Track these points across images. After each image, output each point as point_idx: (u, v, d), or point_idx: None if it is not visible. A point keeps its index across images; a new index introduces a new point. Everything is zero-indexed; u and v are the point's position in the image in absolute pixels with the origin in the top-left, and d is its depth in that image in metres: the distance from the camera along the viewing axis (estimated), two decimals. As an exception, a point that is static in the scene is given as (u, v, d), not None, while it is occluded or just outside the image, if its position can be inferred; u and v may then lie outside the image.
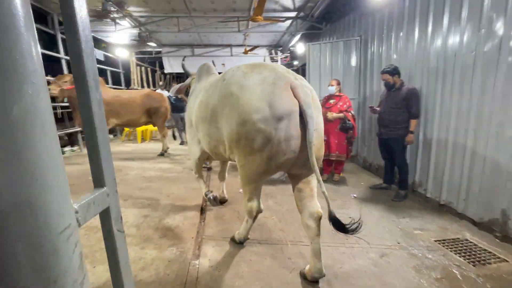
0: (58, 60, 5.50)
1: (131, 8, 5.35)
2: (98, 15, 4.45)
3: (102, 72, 7.86)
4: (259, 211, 2.03)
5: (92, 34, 5.57)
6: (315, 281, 1.91)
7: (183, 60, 3.74)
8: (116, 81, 8.66)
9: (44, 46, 5.74)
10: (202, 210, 3.15)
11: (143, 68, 9.84)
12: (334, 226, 1.68)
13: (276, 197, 3.58)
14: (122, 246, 0.57)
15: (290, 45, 8.40)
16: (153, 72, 10.78)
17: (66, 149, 5.82)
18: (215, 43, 8.98)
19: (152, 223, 2.82)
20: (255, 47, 7.63)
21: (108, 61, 7.96)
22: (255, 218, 2.12)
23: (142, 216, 2.96)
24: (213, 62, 3.28)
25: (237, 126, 1.68)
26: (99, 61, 7.38)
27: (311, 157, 1.58)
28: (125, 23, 5.54)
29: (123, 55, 8.43)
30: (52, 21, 5.37)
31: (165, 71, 9.58)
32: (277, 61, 10.25)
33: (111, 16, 4.73)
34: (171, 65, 9.33)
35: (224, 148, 1.99)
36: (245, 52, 7.78)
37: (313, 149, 1.58)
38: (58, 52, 5.54)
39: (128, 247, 1.91)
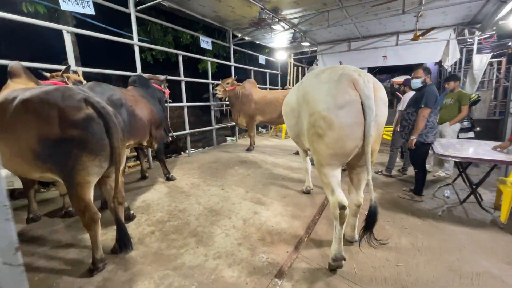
0: (229, 67, 6.88)
1: (285, 12, 5.66)
2: (257, 23, 5.05)
3: (262, 75, 9.03)
4: (342, 206, 1.93)
5: (257, 42, 6.28)
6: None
7: (340, 64, 3.59)
8: (274, 82, 9.68)
9: (223, 57, 7.35)
10: (314, 221, 2.81)
11: (300, 69, 10.39)
12: (368, 217, 1.90)
13: (415, 236, 2.57)
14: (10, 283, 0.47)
15: (497, 18, 5.65)
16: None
17: (228, 138, 7.23)
18: (376, 33, 7.78)
19: (258, 221, 2.85)
20: (429, 29, 5.78)
21: (268, 65, 9.01)
22: (342, 220, 1.98)
23: (252, 212, 3.07)
24: (340, 63, 3.25)
25: (309, 116, 2.01)
26: (260, 65, 8.53)
27: (367, 146, 1.79)
28: (280, 27, 5.93)
29: (282, 58, 9.24)
30: (228, 36, 6.76)
31: (318, 70, 9.54)
32: (472, 44, 7.35)
33: (267, 22, 5.21)
34: (325, 63, 9.14)
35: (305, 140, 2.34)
36: (415, 38, 6.11)
37: (370, 139, 1.78)
38: (230, 60, 6.93)
39: (227, 238, 2.18)
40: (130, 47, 4.42)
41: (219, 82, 5.69)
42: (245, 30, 6.68)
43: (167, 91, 4.13)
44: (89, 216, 1.88)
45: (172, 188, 3.78)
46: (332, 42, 8.77)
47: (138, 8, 4.33)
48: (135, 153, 5.20)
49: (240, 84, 5.73)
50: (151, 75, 4.24)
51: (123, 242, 2.02)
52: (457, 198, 3.34)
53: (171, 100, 4.54)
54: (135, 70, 4.36)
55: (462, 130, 4.31)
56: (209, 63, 5.95)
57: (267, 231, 2.67)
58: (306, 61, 10.79)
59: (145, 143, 3.63)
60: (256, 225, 2.77)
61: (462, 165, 3.32)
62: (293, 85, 9.69)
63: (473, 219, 2.92)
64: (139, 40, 6.18)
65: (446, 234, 2.61)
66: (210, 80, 6.05)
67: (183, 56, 5.22)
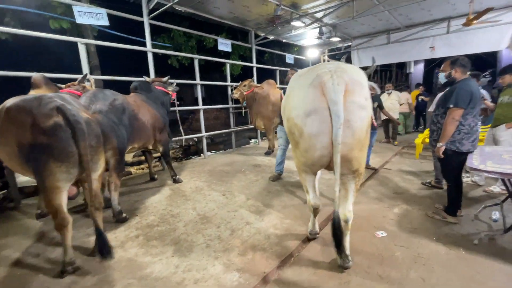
0: (251, 68, 6.75)
1: (305, 6, 5.28)
2: (271, 21, 4.80)
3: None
4: (315, 206, 2.13)
5: (284, 40, 6.03)
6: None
7: (373, 62, 3.40)
8: (305, 81, 9.19)
9: (243, 59, 7.26)
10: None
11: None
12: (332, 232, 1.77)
13: (430, 269, 2.05)
14: None
15: None
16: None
17: (252, 140, 7.11)
18: (420, 21, 6.76)
19: (246, 233, 2.64)
20: (485, 11, 4.69)
21: (297, 63, 8.62)
22: (314, 214, 2.28)
23: (245, 222, 2.87)
24: (373, 58, 3.24)
25: (287, 121, 2.00)
26: (289, 65, 8.20)
27: (335, 155, 1.65)
28: (301, 23, 5.55)
29: (313, 55, 8.75)
30: (250, 36, 6.63)
31: (353, 66, 8.74)
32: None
33: (284, 19, 4.91)
34: (359, 59, 8.34)
35: None
36: (467, 23, 5.08)
37: (338, 147, 1.62)
38: (251, 62, 6.79)
39: (206, 250, 2.15)
40: (156, 54, 4.61)
41: (238, 84, 5.60)
42: (267, 29, 6.47)
43: (173, 93, 4.18)
44: (58, 220, 1.93)
45: (175, 191, 3.80)
46: (368, 35, 7.94)
47: (152, 15, 4.50)
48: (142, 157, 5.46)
49: (259, 85, 5.55)
50: (154, 78, 4.29)
51: (102, 252, 2.03)
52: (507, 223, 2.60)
53: (178, 103, 4.61)
54: (159, 75, 4.42)
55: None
56: (228, 65, 5.90)
57: (252, 245, 2.44)
58: (339, 57, 10.02)
59: (150, 147, 3.72)
60: (242, 238, 2.57)
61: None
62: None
63: (523, 254, 2.22)
64: (161, 47, 6.56)
65: (476, 271, 2.02)
66: (228, 83, 6.00)
67: (208, 60, 5.28)
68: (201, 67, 9.43)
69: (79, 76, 3.40)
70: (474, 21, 4.96)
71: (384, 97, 6.49)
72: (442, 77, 2.73)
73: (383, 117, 6.63)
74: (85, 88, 3.17)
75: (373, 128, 4.53)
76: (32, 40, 3.35)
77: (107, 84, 4.52)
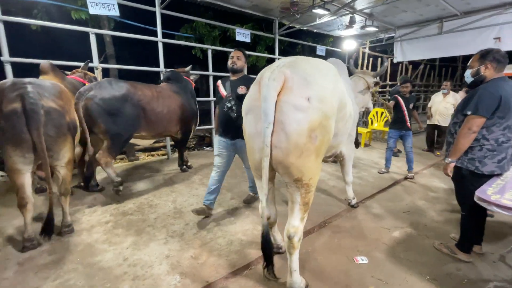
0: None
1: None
2: (286, 9, 4.39)
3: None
4: (268, 216, 1.85)
5: (316, 30, 5.56)
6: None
7: (384, 63, 3.36)
8: (339, 76, 8.44)
9: (271, 50, 6.94)
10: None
11: (379, 59, 8.66)
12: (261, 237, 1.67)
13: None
14: None
15: None
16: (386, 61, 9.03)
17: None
18: (482, 5, 5.51)
19: (211, 235, 2.50)
20: None
21: (332, 55, 7.93)
22: (268, 226, 1.81)
23: (216, 222, 2.73)
24: (382, 59, 3.13)
25: None
26: (320, 57, 7.60)
27: (264, 158, 1.47)
28: (324, 10, 4.92)
29: (350, 47, 7.95)
30: (274, 25, 6.26)
31: (395, 60, 7.64)
32: None
33: (302, 6, 4.46)
34: (403, 52, 7.25)
35: None
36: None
37: (266, 150, 1.45)
38: (274, 53, 6.45)
39: (162, 246, 2.24)
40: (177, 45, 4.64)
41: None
42: (293, 18, 6.02)
43: (193, 83, 4.19)
44: (18, 200, 2.06)
45: (166, 181, 3.84)
46: (416, 24, 6.82)
47: (164, 4, 4.53)
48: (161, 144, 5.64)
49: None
50: (179, 68, 4.36)
51: (44, 229, 2.14)
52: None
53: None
54: (183, 66, 4.47)
55: None
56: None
57: (210, 249, 2.29)
58: (378, 49, 8.87)
59: (172, 135, 3.84)
60: (204, 239, 2.44)
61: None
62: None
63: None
64: (184, 38, 6.61)
65: None
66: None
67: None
68: (221, 59, 9.37)
69: (79, 64, 3.61)
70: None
71: (438, 98, 5.41)
72: (468, 76, 2.11)
73: (430, 121, 5.63)
74: (87, 74, 3.34)
75: (407, 129, 4.11)
76: (57, 31, 3.64)
77: (122, 73, 4.77)
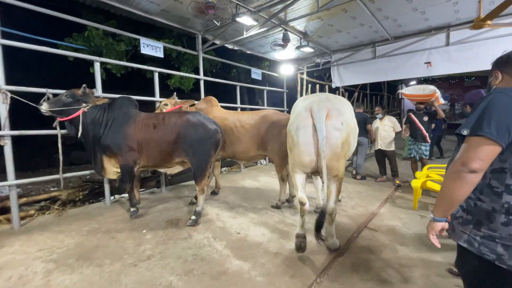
0: (210, 83, 5.20)
1: (256, 3, 3.89)
2: (201, 12, 3.34)
3: (260, 93, 7.21)
4: (302, 200, 2.44)
5: (248, 52, 4.01)
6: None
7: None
8: (279, 102, 7.77)
9: (212, 73, 5.76)
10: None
11: (317, 86, 8.28)
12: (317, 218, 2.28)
13: None
14: None
15: None
16: (324, 87, 8.81)
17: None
18: (412, 29, 5.43)
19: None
20: (506, 3, 3.25)
21: (268, 80, 7.21)
22: (302, 213, 2.48)
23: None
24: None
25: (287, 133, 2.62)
26: (256, 81, 6.76)
27: (321, 160, 2.19)
28: (251, 20, 4.01)
29: (287, 72, 7.35)
30: (197, 41, 5.16)
31: (333, 86, 7.29)
32: None
33: (221, 9, 3.46)
34: (341, 77, 6.93)
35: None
36: (478, 25, 3.69)
37: (323, 154, 2.17)
38: (205, 74, 5.26)
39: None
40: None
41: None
42: (217, 31, 5.02)
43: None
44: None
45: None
46: (351, 48, 6.58)
47: None
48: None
49: (191, 101, 3.97)
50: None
51: None
52: None
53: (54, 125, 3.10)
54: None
55: None
56: (156, 75, 4.33)
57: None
58: (315, 74, 8.58)
59: None
60: None
61: None
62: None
63: None
64: (72, 50, 5.02)
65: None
66: (157, 98, 4.41)
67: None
68: (135, 79, 7.80)
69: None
70: (489, 22, 3.55)
71: (376, 124, 5.34)
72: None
73: (375, 146, 5.37)
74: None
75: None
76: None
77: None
